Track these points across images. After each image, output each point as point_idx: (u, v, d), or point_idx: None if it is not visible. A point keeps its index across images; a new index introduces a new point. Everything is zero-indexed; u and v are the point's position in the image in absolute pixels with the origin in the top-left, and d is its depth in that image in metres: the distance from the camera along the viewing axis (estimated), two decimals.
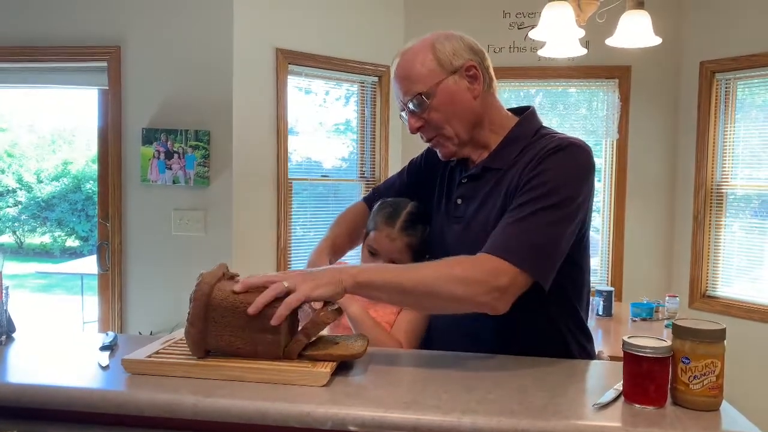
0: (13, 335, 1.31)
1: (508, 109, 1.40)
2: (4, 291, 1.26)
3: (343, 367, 1.12)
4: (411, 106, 1.30)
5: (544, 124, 1.37)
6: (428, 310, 1.42)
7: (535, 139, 1.30)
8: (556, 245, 1.19)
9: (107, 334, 1.30)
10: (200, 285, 1.10)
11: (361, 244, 1.56)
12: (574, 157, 1.23)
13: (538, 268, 1.17)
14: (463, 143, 1.33)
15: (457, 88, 1.29)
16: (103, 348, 1.21)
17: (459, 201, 1.36)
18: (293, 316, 1.15)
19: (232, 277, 1.17)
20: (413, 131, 1.34)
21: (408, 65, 1.31)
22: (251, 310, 1.06)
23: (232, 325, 1.09)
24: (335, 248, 1.51)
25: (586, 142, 1.28)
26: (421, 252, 1.47)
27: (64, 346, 1.30)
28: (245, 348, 1.09)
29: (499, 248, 1.15)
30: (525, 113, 1.37)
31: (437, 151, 1.38)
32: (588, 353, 1.38)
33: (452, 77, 1.29)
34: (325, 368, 1.05)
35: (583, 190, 1.23)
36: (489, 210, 1.28)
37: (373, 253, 1.47)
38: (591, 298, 1.51)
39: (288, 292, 1.08)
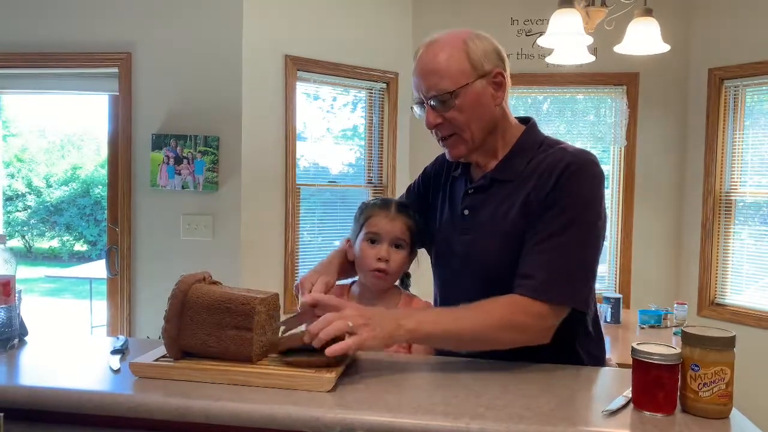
0: (26, 338, 1.32)
1: None
2: (17, 295, 1.27)
3: (351, 371, 1.12)
4: (433, 102, 1.27)
5: (544, 134, 1.38)
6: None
7: (541, 151, 1.31)
8: (592, 269, 1.25)
9: (118, 338, 1.31)
10: (179, 284, 1.13)
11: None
12: (592, 174, 1.26)
13: (577, 299, 1.23)
14: (476, 147, 1.32)
15: (483, 92, 1.27)
16: (115, 352, 1.22)
17: (466, 212, 1.36)
18: (272, 319, 1.17)
19: (215, 283, 1.19)
20: (431, 127, 1.31)
21: (437, 59, 1.26)
22: (315, 343, 1.07)
23: (206, 323, 1.11)
24: (344, 258, 1.51)
25: (592, 152, 1.30)
26: (421, 242, 1.46)
27: (75, 349, 1.31)
28: (218, 347, 1.11)
29: (538, 291, 1.18)
30: (529, 124, 1.38)
31: (447, 150, 1.35)
32: (598, 361, 1.38)
33: (480, 81, 1.26)
34: (331, 374, 1.06)
35: (603, 204, 1.28)
36: (499, 221, 1.29)
37: (373, 240, 1.43)
38: (599, 305, 1.51)
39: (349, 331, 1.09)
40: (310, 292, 1.32)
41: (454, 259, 1.37)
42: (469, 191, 1.36)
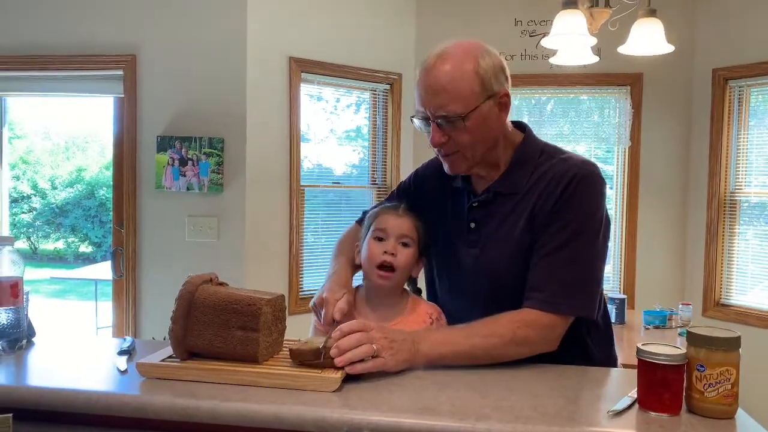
0: (33, 340, 1.33)
1: None
2: (24, 296, 1.28)
3: None
4: (441, 122, 1.25)
5: (540, 139, 1.39)
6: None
7: (543, 160, 1.32)
8: (598, 278, 1.28)
9: (125, 339, 1.31)
10: (186, 285, 1.14)
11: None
12: (596, 186, 1.28)
13: (585, 309, 1.26)
14: (477, 164, 1.33)
15: (489, 113, 1.27)
16: (121, 353, 1.22)
17: (473, 225, 1.36)
18: (278, 320, 1.18)
19: (221, 284, 1.19)
20: (437, 146, 1.29)
21: (446, 77, 1.22)
22: (342, 362, 1.07)
23: (213, 323, 1.11)
24: (352, 267, 1.50)
25: (593, 160, 1.35)
26: (426, 246, 1.45)
27: (82, 350, 1.32)
28: (224, 347, 1.11)
29: (548, 303, 1.22)
30: (526, 132, 1.38)
31: (446, 164, 1.35)
32: (609, 356, 1.41)
33: (488, 102, 1.25)
34: (336, 374, 1.06)
35: (606, 212, 1.30)
36: (506, 234, 1.31)
37: (380, 239, 1.41)
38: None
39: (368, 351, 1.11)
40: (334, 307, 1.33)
41: (461, 270, 1.38)
42: (474, 204, 1.37)
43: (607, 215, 1.30)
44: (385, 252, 1.39)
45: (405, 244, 1.41)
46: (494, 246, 1.32)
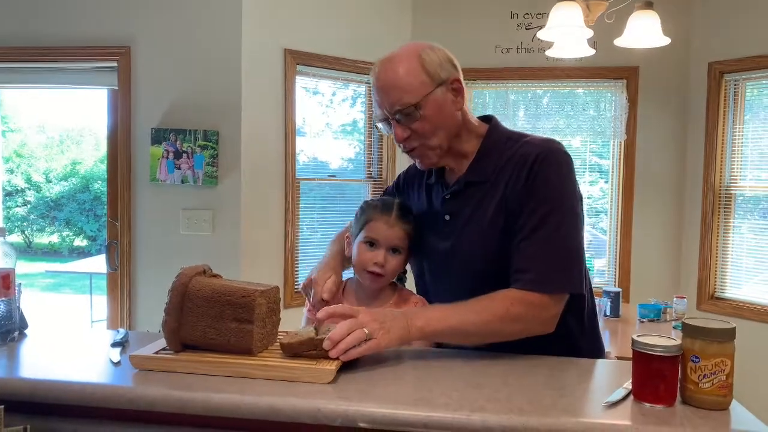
0: (26, 332, 1.32)
1: None
2: (16, 288, 1.27)
3: (351, 363, 1.12)
4: (399, 116, 1.30)
5: (507, 128, 1.42)
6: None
7: (509, 146, 1.34)
8: (579, 253, 1.28)
9: (118, 331, 1.31)
10: (179, 277, 1.13)
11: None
12: (561, 161, 1.30)
13: (573, 285, 1.26)
14: (444, 153, 1.35)
15: (443, 100, 1.31)
16: (115, 344, 1.22)
17: (447, 217, 1.38)
18: (272, 312, 1.17)
19: (215, 276, 1.19)
20: (401, 141, 1.33)
21: (395, 75, 1.29)
22: (336, 353, 1.07)
23: (206, 315, 1.11)
24: (343, 256, 1.53)
25: (556, 138, 1.35)
26: (414, 243, 1.47)
27: (75, 342, 1.32)
28: (218, 339, 1.11)
29: (536, 283, 1.23)
30: (492, 122, 1.41)
31: (417, 161, 1.39)
32: (598, 348, 1.41)
33: (439, 89, 1.30)
34: (331, 366, 1.06)
35: (576, 187, 1.31)
36: (478, 223, 1.32)
37: (372, 243, 1.44)
38: (598, 299, 1.52)
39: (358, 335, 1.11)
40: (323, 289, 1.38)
41: (441, 263, 1.40)
42: (446, 197, 1.39)
43: (578, 189, 1.31)
44: (375, 263, 1.43)
45: (395, 250, 1.44)
46: (468, 235, 1.34)
